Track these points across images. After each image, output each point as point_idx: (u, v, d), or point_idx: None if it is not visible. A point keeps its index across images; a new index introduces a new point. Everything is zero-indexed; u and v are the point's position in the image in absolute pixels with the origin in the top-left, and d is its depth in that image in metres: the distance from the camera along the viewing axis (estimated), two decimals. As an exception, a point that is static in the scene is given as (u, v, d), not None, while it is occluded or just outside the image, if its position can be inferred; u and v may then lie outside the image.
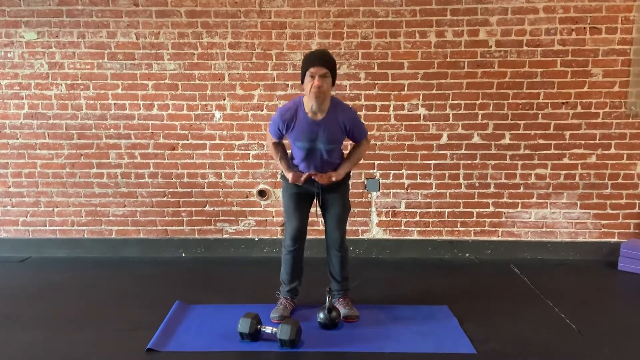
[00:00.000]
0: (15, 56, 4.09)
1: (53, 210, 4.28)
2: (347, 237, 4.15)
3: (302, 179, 2.85)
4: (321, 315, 2.86)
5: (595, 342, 2.72)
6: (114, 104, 4.14)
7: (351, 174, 3.12)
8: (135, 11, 4.03)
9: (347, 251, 3.09)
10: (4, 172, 4.23)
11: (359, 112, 4.07)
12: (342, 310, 2.98)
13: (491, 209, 4.20)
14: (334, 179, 2.89)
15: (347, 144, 3.01)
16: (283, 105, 2.89)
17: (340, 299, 3.07)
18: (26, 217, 4.30)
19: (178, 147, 4.19)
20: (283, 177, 3.01)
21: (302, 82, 2.77)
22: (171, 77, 4.11)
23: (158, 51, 4.07)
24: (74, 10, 4.03)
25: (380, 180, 4.19)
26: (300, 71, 2.82)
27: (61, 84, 4.12)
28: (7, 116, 4.16)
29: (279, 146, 2.99)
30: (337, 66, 3.99)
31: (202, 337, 2.77)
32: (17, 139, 4.19)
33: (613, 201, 4.14)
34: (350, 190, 4.13)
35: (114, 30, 4.05)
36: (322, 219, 3.12)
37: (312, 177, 2.86)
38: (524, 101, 4.05)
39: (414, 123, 4.11)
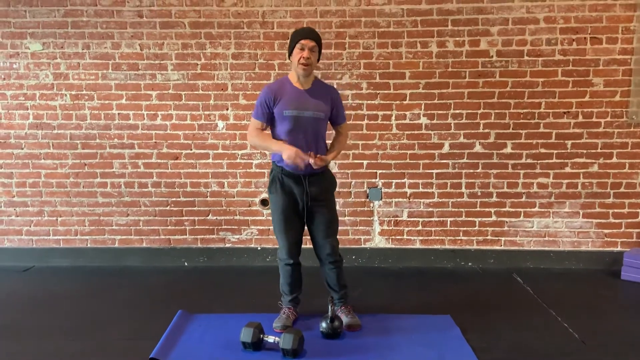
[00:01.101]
0: (21, 67, 4.13)
1: (57, 219, 4.30)
2: (350, 246, 4.20)
3: (303, 158, 2.71)
4: (323, 324, 2.86)
5: (598, 352, 2.71)
6: (118, 114, 4.17)
7: (337, 185, 3.14)
8: (140, 22, 4.07)
9: (341, 261, 3.07)
10: (9, 182, 4.26)
11: (360, 122, 4.11)
12: (345, 319, 2.98)
13: (493, 218, 4.20)
14: (329, 159, 2.90)
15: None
16: (266, 85, 2.95)
17: (342, 307, 3.07)
18: (30, 226, 4.32)
19: (181, 157, 4.22)
20: (271, 190, 2.95)
21: (289, 56, 2.86)
22: (175, 88, 4.14)
23: (162, 62, 4.11)
24: (79, 21, 4.08)
25: (382, 190, 4.20)
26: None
27: (66, 95, 4.16)
28: (12, 126, 4.20)
29: (263, 131, 2.92)
30: (340, 76, 4.06)
31: (204, 347, 2.77)
32: (22, 149, 4.22)
33: (615, 210, 4.14)
34: (353, 200, 4.18)
35: (119, 41, 4.09)
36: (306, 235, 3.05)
37: (308, 161, 2.77)
38: (525, 110, 4.07)
39: (415, 132, 4.13)
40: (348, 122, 4.09)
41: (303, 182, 2.87)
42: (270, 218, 4.24)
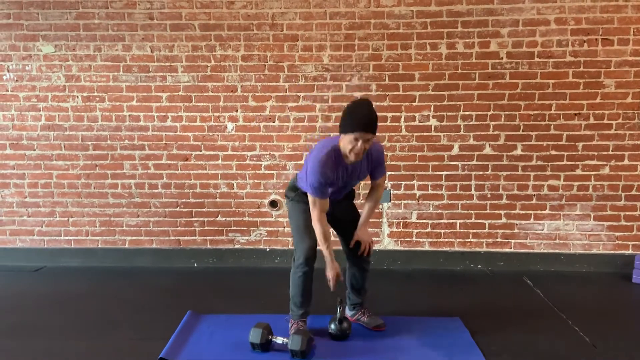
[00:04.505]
0: (33, 69, 4.18)
1: (68, 220, 4.34)
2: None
3: (334, 282, 2.78)
4: (332, 326, 2.86)
5: (609, 355, 2.69)
6: (129, 115, 4.21)
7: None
8: (150, 25, 4.10)
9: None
10: (21, 183, 4.31)
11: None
12: (369, 320, 3.01)
13: (503, 220, 4.18)
14: (367, 231, 2.94)
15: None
16: (320, 161, 2.59)
17: (364, 310, 3.07)
18: (42, 226, 4.36)
19: (191, 158, 4.24)
20: (291, 189, 2.90)
21: (342, 132, 2.59)
22: (185, 89, 4.16)
23: (172, 64, 4.14)
24: (90, 24, 4.12)
25: (391, 191, 4.20)
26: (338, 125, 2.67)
27: (77, 96, 4.20)
28: (25, 127, 4.24)
29: (327, 222, 2.77)
30: (349, 78, 4.06)
31: (213, 347, 2.78)
32: (34, 150, 4.27)
33: (627, 213, 4.10)
34: (362, 201, 4.16)
35: (130, 43, 4.13)
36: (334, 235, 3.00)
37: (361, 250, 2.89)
38: (535, 112, 4.05)
39: (425, 134, 4.12)
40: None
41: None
42: (278, 220, 4.26)
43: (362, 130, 2.52)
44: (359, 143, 2.52)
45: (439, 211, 4.20)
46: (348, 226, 2.93)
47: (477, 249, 4.22)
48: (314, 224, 2.73)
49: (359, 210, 2.99)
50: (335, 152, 2.63)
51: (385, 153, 4.00)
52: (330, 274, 2.77)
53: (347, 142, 2.55)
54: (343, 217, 2.94)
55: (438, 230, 4.22)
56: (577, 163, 4.08)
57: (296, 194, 2.89)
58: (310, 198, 2.70)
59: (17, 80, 4.19)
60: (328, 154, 2.61)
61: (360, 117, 2.54)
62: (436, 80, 4.06)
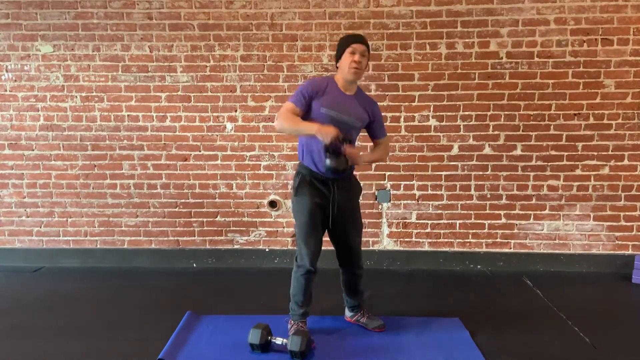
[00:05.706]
0: (32, 69, 4.17)
1: (67, 220, 4.33)
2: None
3: (333, 134, 2.51)
4: (328, 161, 2.60)
5: (609, 356, 2.69)
6: (128, 115, 4.20)
7: (362, 188, 3.10)
8: (149, 24, 4.09)
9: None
10: (19, 183, 4.30)
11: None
12: (370, 322, 3.01)
13: (503, 220, 4.17)
14: (366, 158, 2.85)
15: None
16: (313, 77, 2.83)
17: (362, 312, 3.07)
18: (40, 227, 4.35)
19: (190, 158, 4.23)
20: (297, 191, 2.79)
21: (338, 59, 2.77)
22: (184, 89, 4.15)
23: (171, 64, 4.13)
24: (89, 23, 4.11)
25: (390, 191, 4.19)
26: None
27: (76, 96, 4.19)
28: (23, 128, 4.23)
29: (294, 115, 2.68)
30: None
31: (212, 348, 2.78)
32: (33, 150, 4.26)
33: (627, 213, 4.10)
34: (361, 201, 4.16)
35: (128, 43, 4.12)
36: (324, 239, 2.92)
37: (343, 151, 2.59)
38: (535, 112, 4.04)
39: (424, 134, 4.12)
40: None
41: (331, 187, 2.76)
42: (278, 220, 4.25)
43: (354, 42, 2.73)
44: (356, 55, 2.70)
45: (439, 211, 4.20)
46: (347, 228, 2.88)
47: (477, 249, 4.22)
48: (279, 119, 2.66)
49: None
50: (328, 78, 2.83)
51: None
52: (326, 130, 2.53)
53: (345, 62, 2.73)
54: (349, 226, 2.88)
55: (438, 231, 4.22)
56: (576, 163, 4.08)
57: (300, 180, 2.76)
58: (285, 103, 2.71)
59: (15, 80, 4.18)
60: (321, 77, 2.86)
61: (350, 35, 2.83)
62: (436, 80, 4.06)
